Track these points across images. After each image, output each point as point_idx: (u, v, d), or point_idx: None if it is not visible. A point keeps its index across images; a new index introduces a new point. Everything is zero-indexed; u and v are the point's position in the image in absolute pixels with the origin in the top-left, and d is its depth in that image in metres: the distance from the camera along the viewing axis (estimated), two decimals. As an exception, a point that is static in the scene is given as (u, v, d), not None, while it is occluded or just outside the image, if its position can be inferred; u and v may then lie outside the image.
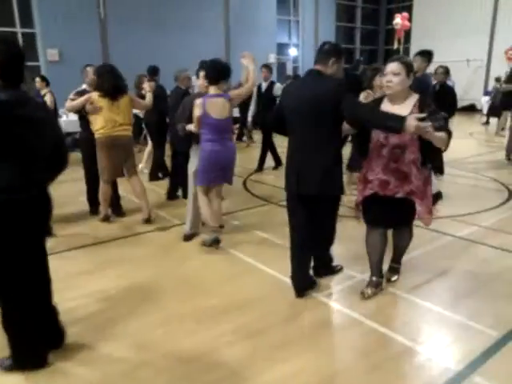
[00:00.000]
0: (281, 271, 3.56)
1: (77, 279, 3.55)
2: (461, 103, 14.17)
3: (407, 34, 17.70)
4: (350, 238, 3.90)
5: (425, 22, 19.13)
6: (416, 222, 3.17)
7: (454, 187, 6.18)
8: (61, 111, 10.16)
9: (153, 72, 6.77)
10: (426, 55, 5.10)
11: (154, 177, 6.74)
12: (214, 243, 4.09)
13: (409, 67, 2.83)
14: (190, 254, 4.05)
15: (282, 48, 19.17)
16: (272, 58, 18.16)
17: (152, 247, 4.22)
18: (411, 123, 2.51)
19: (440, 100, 4.98)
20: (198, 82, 4.42)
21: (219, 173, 4.05)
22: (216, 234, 4.10)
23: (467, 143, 10.53)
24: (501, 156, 8.43)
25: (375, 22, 22.88)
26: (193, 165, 4.21)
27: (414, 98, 2.87)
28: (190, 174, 4.24)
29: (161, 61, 7.63)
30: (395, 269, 3.45)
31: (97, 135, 4.59)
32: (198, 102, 3.90)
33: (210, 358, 2.54)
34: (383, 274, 3.32)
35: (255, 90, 7.52)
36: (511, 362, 2.47)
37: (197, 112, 3.89)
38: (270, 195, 6.01)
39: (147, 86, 5.26)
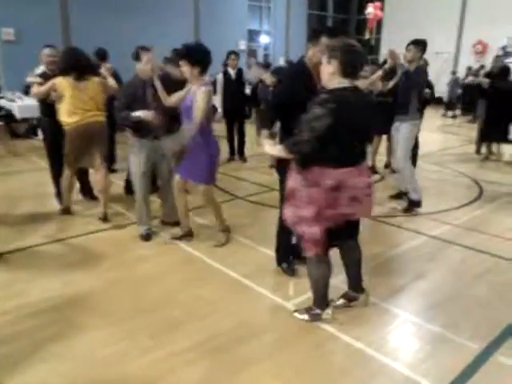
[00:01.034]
0: (247, 276, 3.28)
1: (13, 288, 3.15)
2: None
3: (378, 24, 17.59)
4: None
5: (396, 13, 19.05)
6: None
7: (424, 183, 6.04)
8: (16, 95, 9.50)
9: (101, 56, 6.08)
10: (421, 44, 4.72)
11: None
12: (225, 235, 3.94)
13: (332, 51, 2.39)
14: (147, 257, 3.70)
15: (252, 35, 18.74)
16: (242, 45, 17.73)
17: (105, 249, 3.82)
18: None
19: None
20: (176, 70, 4.07)
21: None
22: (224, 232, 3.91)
23: (435, 137, 10.50)
24: (471, 150, 8.41)
25: (347, 10, 22.69)
26: (138, 160, 3.84)
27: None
28: (137, 172, 3.87)
29: (127, 45, 7.16)
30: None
31: (66, 126, 4.15)
32: (208, 89, 3.50)
33: (165, 381, 2.24)
34: (364, 289, 2.95)
35: (220, 77, 7.16)
36: (493, 381, 2.29)
37: (207, 103, 3.48)
38: (236, 188, 5.73)
39: (104, 70, 4.83)
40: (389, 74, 4.61)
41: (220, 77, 7.19)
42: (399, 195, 5.23)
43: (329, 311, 2.75)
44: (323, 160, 2.38)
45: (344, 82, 2.37)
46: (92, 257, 3.67)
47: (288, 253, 3.36)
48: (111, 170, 6.01)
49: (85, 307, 2.91)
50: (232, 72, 7.16)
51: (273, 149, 2.57)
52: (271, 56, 18.54)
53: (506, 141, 7.66)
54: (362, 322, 2.78)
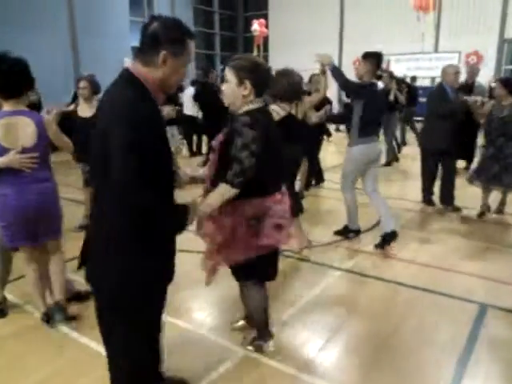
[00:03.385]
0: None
1: None
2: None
3: (265, 41, 17.80)
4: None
5: (281, 30, 19.51)
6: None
7: (320, 202, 5.76)
8: None
9: None
10: (375, 57, 4.14)
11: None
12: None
13: (239, 72, 2.21)
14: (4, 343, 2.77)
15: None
16: (127, 63, 16.69)
17: None
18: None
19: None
20: None
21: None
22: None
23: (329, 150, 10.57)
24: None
25: (234, 29, 22.78)
26: None
27: (246, 109, 2.28)
28: None
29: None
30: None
31: None
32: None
33: None
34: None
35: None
36: None
37: None
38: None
39: None
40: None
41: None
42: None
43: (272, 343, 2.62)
44: (254, 188, 2.20)
45: (258, 102, 2.26)
46: None
47: None
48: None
49: None
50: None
51: (210, 202, 2.16)
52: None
53: None
54: None
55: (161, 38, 1.65)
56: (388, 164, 8.42)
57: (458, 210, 5.44)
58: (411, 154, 9.64)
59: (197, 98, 8.40)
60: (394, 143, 8.83)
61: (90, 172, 1.73)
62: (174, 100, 7.71)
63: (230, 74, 2.22)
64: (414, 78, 11.73)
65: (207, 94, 7.87)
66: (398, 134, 9.60)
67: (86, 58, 14.23)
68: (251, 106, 2.23)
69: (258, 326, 2.63)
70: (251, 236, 2.26)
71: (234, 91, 2.23)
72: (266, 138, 2.17)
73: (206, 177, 2.33)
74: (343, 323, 2.99)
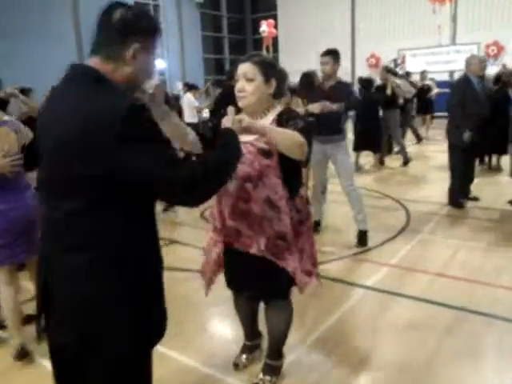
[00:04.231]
0: None
1: None
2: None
3: (274, 42, 17.45)
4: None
5: (290, 30, 19.15)
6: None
7: (337, 209, 5.27)
8: None
9: None
10: (338, 54, 4.06)
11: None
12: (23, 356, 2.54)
13: (267, 69, 1.96)
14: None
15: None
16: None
17: None
18: (237, 125, 1.67)
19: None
20: None
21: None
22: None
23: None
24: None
25: (242, 31, 22.50)
26: None
27: (278, 109, 2.04)
28: None
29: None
30: (272, 368, 2.28)
31: None
32: None
33: None
34: (261, 333, 2.51)
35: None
36: None
37: None
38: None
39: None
40: None
41: None
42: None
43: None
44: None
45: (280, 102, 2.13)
46: None
47: None
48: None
49: None
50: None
51: (273, 128, 1.89)
52: (167, 81, 17.46)
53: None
54: None
55: (131, 27, 1.29)
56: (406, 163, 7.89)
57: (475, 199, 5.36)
58: (423, 152, 9.16)
59: (226, 98, 7.88)
60: (403, 143, 8.15)
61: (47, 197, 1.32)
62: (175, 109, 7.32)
63: (254, 71, 1.94)
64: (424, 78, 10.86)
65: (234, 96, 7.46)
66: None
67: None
68: (278, 108, 2.04)
69: (277, 350, 2.29)
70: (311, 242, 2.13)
71: (259, 90, 1.94)
72: None
73: (242, 176, 1.94)
74: (371, 350, 2.55)
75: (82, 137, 1.18)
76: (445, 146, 5.41)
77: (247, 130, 1.73)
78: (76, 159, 1.20)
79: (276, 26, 16.73)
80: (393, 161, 8.16)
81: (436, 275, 3.49)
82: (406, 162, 7.88)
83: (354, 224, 4.23)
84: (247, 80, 1.93)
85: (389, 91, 7.44)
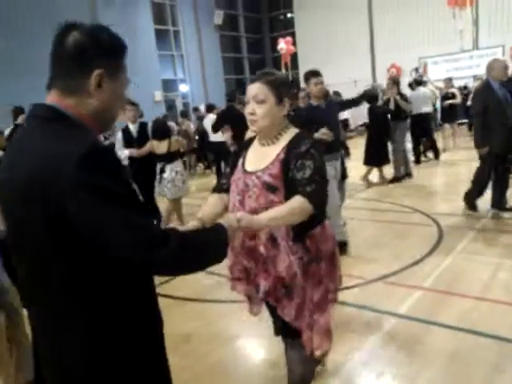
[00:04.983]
0: None
1: None
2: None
3: (294, 59, 17.44)
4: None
5: (308, 47, 19.10)
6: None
7: (361, 226, 5.00)
8: None
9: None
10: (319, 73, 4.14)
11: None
12: None
13: (279, 88, 1.80)
14: None
15: (168, 84, 17.88)
16: (158, 96, 16.76)
17: None
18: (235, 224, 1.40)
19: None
20: None
21: None
22: None
23: (357, 165, 9.59)
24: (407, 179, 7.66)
25: (261, 50, 22.67)
26: None
27: (291, 133, 1.87)
28: None
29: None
30: None
31: None
32: None
33: None
34: None
35: (120, 135, 5.95)
36: None
37: None
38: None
39: None
40: None
41: (119, 136, 5.96)
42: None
43: None
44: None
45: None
46: None
47: None
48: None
49: None
50: (132, 127, 5.95)
51: (275, 214, 1.63)
52: (190, 104, 17.66)
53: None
54: None
55: (89, 52, 1.12)
56: (396, 180, 7.45)
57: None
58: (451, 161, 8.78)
59: (224, 118, 7.83)
60: (404, 156, 7.61)
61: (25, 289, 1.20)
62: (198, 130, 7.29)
63: (265, 92, 1.78)
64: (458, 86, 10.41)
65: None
66: (408, 145, 8.10)
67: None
68: (291, 130, 1.89)
69: None
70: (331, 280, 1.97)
71: (271, 112, 1.79)
72: None
73: (248, 211, 1.71)
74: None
75: (40, 186, 1.03)
76: (471, 153, 5.19)
77: (248, 228, 1.49)
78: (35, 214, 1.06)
79: (294, 43, 16.75)
80: (418, 170, 7.88)
81: (476, 299, 3.22)
82: (395, 179, 7.49)
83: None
84: (258, 102, 1.79)
85: (392, 106, 7.30)
